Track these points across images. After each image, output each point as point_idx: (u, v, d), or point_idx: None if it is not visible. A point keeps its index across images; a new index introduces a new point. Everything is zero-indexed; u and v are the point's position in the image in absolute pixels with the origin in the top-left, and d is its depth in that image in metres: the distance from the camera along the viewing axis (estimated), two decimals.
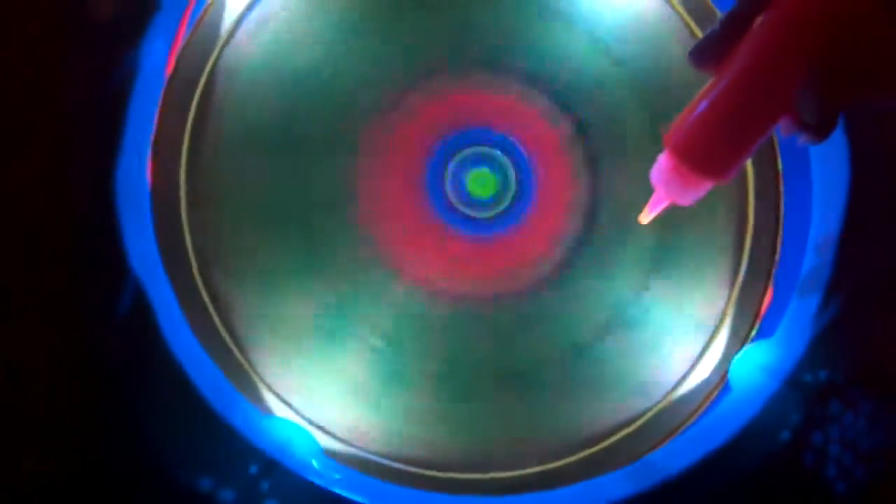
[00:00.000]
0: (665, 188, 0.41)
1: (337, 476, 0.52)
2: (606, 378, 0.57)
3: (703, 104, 0.39)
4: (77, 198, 0.50)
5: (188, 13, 0.53)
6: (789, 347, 0.55)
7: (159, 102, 0.54)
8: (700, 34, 0.59)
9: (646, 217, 0.43)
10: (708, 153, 0.39)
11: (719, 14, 0.58)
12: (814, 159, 0.56)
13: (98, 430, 0.49)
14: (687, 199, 0.42)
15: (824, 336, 0.54)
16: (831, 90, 0.37)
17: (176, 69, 0.55)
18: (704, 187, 0.40)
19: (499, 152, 0.59)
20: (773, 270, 0.58)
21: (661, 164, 0.40)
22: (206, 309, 0.54)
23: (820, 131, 0.38)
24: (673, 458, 0.54)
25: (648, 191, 0.58)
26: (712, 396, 0.57)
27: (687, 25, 0.59)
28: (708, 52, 0.39)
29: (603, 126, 0.59)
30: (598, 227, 0.59)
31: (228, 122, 0.56)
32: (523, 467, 0.57)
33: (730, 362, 0.56)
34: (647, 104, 0.59)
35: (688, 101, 0.57)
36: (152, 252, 0.51)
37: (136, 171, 0.52)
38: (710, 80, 0.39)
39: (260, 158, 0.56)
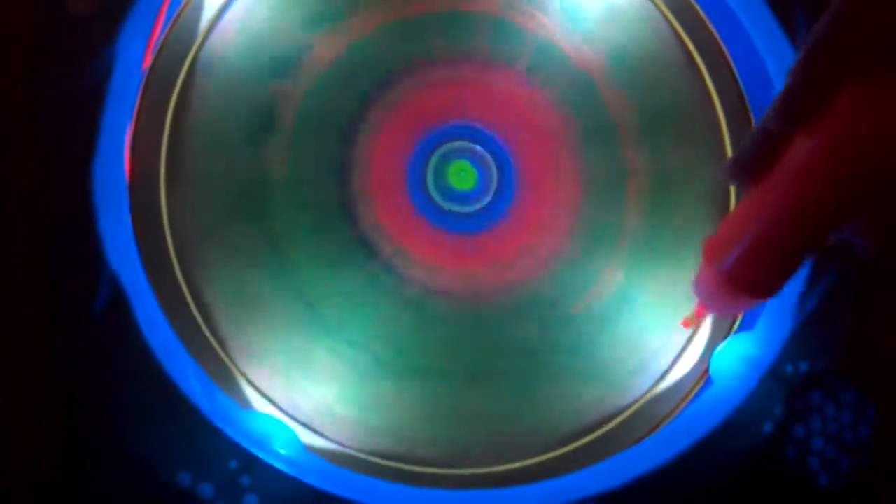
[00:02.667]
0: (708, 304, 0.41)
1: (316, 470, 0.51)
2: (590, 372, 0.57)
3: (750, 230, 0.38)
4: (54, 193, 0.50)
5: (166, 5, 0.53)
6: (770, 339, 0.55)
7: (138, 97, 0.54)
8: (673, 18, 0.59)
9: (689, 325, 0.43)
10: (757, 278, 0.39)
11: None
12: None
13: (75, 426, 0.49)
14: (729, 313, 0.41)
15: (805, 327, 0.54)
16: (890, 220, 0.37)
17: (155, 62, 0.55)
18: (749, 305, 0.41)
19: (479, 147, 0.59)
20: None
21: (704, 281, 0.40)
22: (186, 304, 0.54)
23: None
24: (655, 451, 0.53)
25: (631, 184, 0.59)
26: (695, 390, 0.57)
27: (663, 14, 0.59)
28: (745, 169, 0.39)
29: (585, 115, 0.59)
30: (582, 222, 0.59)
31: (209, 115, 0.56)
32: (505, 462, 0.56)
33: (710, 357, 0.56)
34: (629, 92, 0.59)
35: (667, 89, 0.59)
36: (130, 246, 0.51)
37: (114, 165, 0.51)
38: (750, 196, 0.39)
39: (240, 153, 0.56)
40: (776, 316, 0.55)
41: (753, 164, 0.39)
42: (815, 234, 0.38)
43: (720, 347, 0.56)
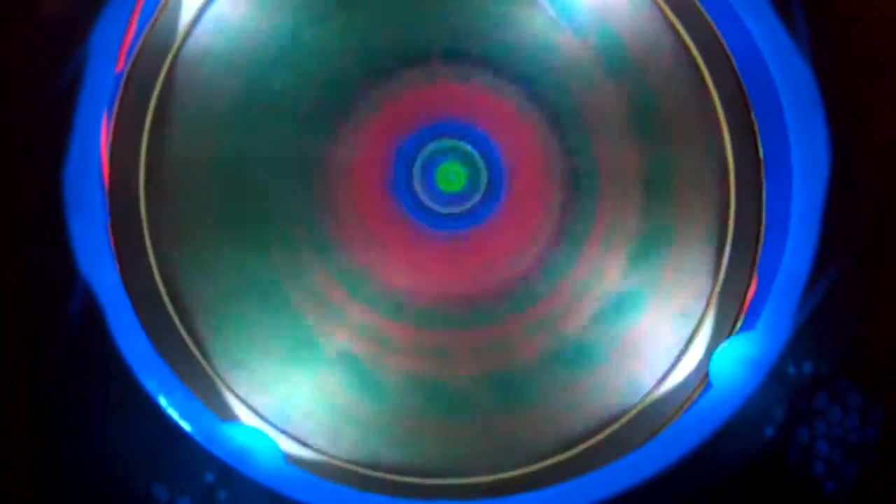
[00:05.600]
0: None
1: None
2: (586, 377, 0.56)
3: None
4: (25, 198, 0.49)
5: (140, 5, 0.52)
6: (771, 339, 0.53)
7: (115, 101, 0.53)
8: (672, 15, 0.57)
9: None
10: None
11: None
12: (794, 147, 0.55)
13: (45, 438, 0.47)
14: None
15: (808, 326, 0.52)
16: None
17: (133, 65, 0.53)
18: None
19: (468, 146, 0.57)
20: (757, 261, 0.56)
21: None
22: (164, 309, 0.53)
23: None
24: (653, 457, 0.52)
25: (625, 182, 0.57)
26: (695, 394, 0.55)
27: (657, 6, 0.58)
28: None
29: (577, 114, 0.57)
30: (574, 223, 0.57)
31: (189, 118, 0.54)
32: (502, 471, 0.55)
33: (709, 359, 0.54)
34: (624, 90, 0.57)
35: (662, 84, 0.57)
36: (104, 252, 0.50)
37: (87, 171, 0.50)
38: None
39: (221, 159, 0.55)
40: (777, 315, 0.53)
41: None
42: None
43: (719, 349, 0.54)
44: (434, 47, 0.57)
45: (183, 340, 0.53)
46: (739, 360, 0.53)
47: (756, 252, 0.56)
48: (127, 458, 0.47)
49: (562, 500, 0.52)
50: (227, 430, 0.50)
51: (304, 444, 0.53)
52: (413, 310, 0.56)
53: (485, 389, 0.55)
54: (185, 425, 0.47)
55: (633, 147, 0.57)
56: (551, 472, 0.54)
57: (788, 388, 0.52)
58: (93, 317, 0.48)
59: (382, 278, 0.56)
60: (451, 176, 0.57)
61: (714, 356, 0.53)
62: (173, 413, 0.47)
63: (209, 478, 0.47)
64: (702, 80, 0.58)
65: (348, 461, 0.53)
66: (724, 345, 0.54)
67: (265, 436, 0.51)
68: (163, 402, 0.47)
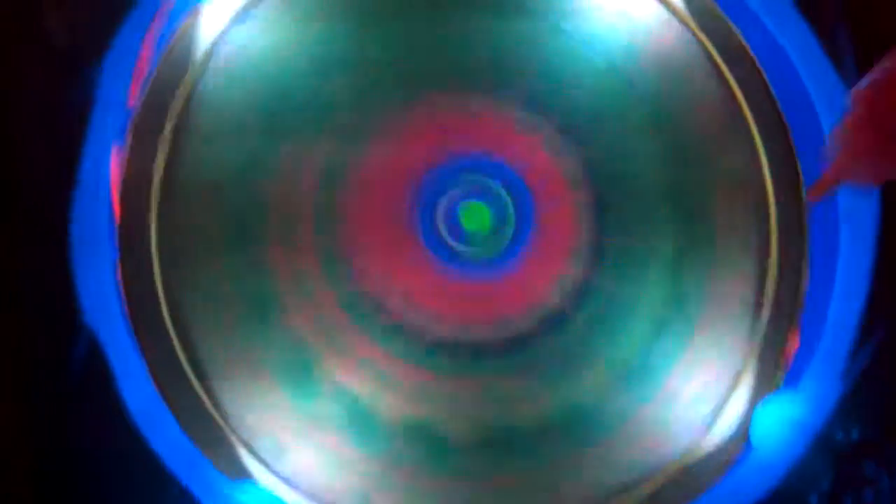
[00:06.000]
0: (849, 158, 0.35)
1: None
2: (612, 439, 0.52)
3: None
4: (28, 238, 0.46)
5: (151, 35, 0.49)
6: (817, 400, 0.50)
7: (127, 136, 0.50)
8: (718, 58, 0.55)
9: (816, 194, 0.37)
10: None
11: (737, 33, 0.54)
12: (841, 196, 0.52)
13: (46, 498, 0.44)
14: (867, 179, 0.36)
15: (857, 388, 0.49)
16: None
17: (145, 97, 0.51)
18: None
19: (496, 183, 0.54)
20: (799, 315, 0.53)
21: (853, 129, 0.34)
22: (176, 361, 0.50)
23: None
24: None
25: (655, 235, 0.54)
26: (732, 457, 0.52)
27: (706, 50, 0.55)
28: None
29: (613, 156, 0.54)
30: (605, 270, 0.54)
31: (202, 152, 0.52)
32: None
33: (750, 418, 0.51)
34: (663, 135, 0.54)
35: (706, 132, 0.54)
36: (111, 297, 0.47)
37: (96, 207, 0.47)
38: None
39: (236, 199, 0.52)
40: (825, 374, 0.50)
41: None
42: None
43: (762, 407, 0.51)
44: (468, 77, 0.54)
45: (194, 392, 0.50)
46: (783, 421, 0.50)
47: (798, 307, 0.53)
48: None
49: None
50: (237, 490, 0.46)
51: (313, 498, 0.50)
52: (420, 350, 0.53)
53: (499, 448, 0.52)
54: (194, 488, 0.44)
55: (664, 197, 0.54)
56: None
57: (835, 454, 0.49)
58: (98, 370, 0.45)
59: (398, 320, 0.53)
60: (476, 215, 0.54)
61: (756, 417, 0.50)
62: (179, 472, 0.44)
63: None
64: (745, 123, 0.55)
65: None
66: (766, 405, 0.51)
67: (272, 496, 0.48)
68: (170, 462, 0.44)
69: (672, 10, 0.55)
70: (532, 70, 0.54)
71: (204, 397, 0.50)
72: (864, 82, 0.35)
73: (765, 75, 0.55)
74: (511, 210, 0.54)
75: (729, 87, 0.55)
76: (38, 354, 0.46)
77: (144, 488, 0.45)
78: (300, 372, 0.51)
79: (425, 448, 0.52)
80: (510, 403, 0.52)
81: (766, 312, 0.53)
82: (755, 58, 0.55)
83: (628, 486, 0.52)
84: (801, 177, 0.54)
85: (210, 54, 0.52)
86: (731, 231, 0.54)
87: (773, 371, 0.53)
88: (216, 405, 0.50)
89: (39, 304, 0.46)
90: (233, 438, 0.50)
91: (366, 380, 0.51)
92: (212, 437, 0.49)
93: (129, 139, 0.50)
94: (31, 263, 0.47)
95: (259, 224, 0.52)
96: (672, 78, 0.55)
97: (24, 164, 0.47)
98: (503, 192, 0.54)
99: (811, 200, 0.40)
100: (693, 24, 0.55)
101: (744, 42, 0.55)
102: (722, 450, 0.52)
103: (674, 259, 0.54)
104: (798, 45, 0.54)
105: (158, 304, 0.50)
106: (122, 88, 0.48)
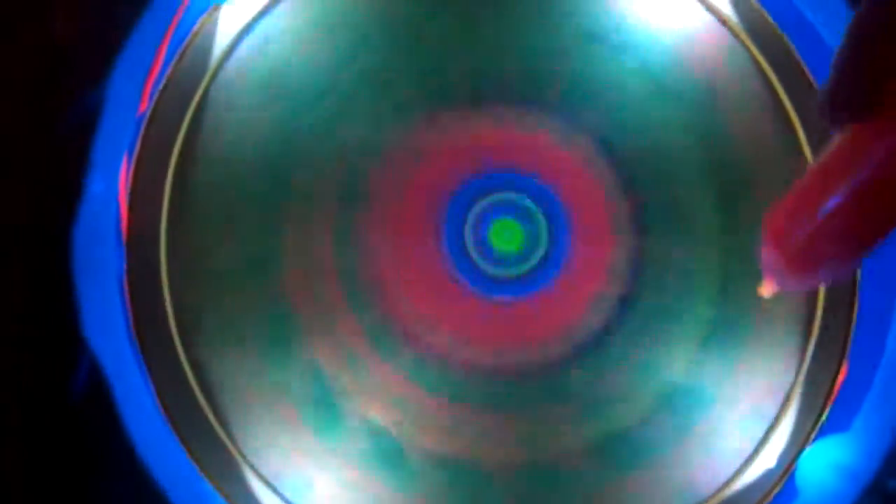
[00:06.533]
0: (775, 281, 0.35)
1: None
2: (647, 472, 0.49)
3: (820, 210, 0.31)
4: (31, 254, 0.43)
5: (166, 42, 0.46)
6: (869, 444, 0.47)
7: (136, 145, 0.47)
8: (766, 64, 0.51)
9: (767, 291, 0.36)
10: (822, 261, 0.32)
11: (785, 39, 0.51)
12: None
13: None
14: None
15: None
16: None
17: (155, 106, 0.48)
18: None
19: (528, 200, 0.51)
20: (848, 347, 0.50)
21: (766, 259, 0.34)
22: (186, 387, 0.47)
23: None
24: None
25: (700, 253, 0.51)
26: (770, 497, 0.49)
27: (752, 56, 0.51)
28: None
29: (652, 172, 0.51)
30: (642, 294, 0.51)
31: (216, 166, 0.49)
32: None
33: (795, 458, 0.48)
34: (704, 149, 0.51)
35: (752, 141, 0.51)
36: (116, 319, 0.44)
37: (103, 220, 0.45)
38: (812, 169, 0.32)
39: (251, 214, 0.49)
40: (877, 415, 0.47)
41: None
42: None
43: (808, 450, 0.47)
44: (499, 87, 0.51)
45: (206, 420, 0.47)
46: (831, 466, 0.47)
47: (847, 338, 0.50)
48: None
49: None
50: None
51: None
52: (450, 380, 0.50)
53: (530, 481, 0.49)
54: None
55: (710, 213, 0.51)
56: None
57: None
58: (101, 399, 0.42)
59: (424, 345, 0.50)
60: (507, 233, 0.51)
61: (802, 458, 0.47)
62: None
63: None
64: (793, 132, 0.51)
65: None
66: (814, 446, 0.47)
67: None
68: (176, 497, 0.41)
69: (716, 15, 0.52)
70: (566, 79, 0.51)
71: (220, 431, 0.47)
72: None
73: (815, 83, 0.51)
74: (543, 227, 0.51)
75: (777, 95, 0.52)
76: (37, 379, 0.43)
77: None
78: (322, 405, 0.48)
79: (459, 482, 0.49)
80: (547, 432, 0.50)
81: (814, 336, 0.50)
82: (804, 64, 0.52)
83: None
84: None
85: (225, 57, 0.49)
86: None
87: (821, 401, 0.50)
88: (232, 439, 0.48)
89: (38, 322, 0.44)
90: (250, 473, 0.47)
91: (393, 413, 0.49)
92: (228, 472, 0.46)
93: (139, 147, 0.47)
94: (30, 280, 0.44)
95: (276, 245, 0.49)
96: (717, 86, 0.52)
97: (28, 172, 0.44)
98: (535, 209, 0.51)
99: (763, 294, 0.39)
100: (739, 30, 0.52)
101: (792, 48, 0.52)
102: (759, 491, 0.49)
103: (719, 275, 0.51)
104: None
105: (168, 327, 0.47)
106: (134, 94, 0.45)
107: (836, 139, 0.31)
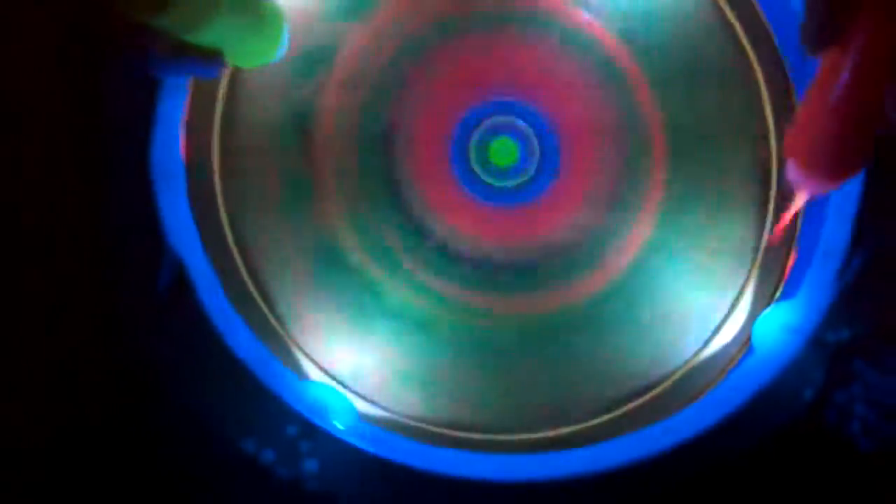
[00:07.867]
0: (806, 191, 0.43)
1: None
2: (628, 340, 0.59)
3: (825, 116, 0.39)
4: (114, 181, 0.52)
5: None
6: (812, 307, 0.55)
7: (189, 90, 0.55)
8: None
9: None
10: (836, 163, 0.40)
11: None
12: None
13: (142, 402, 0.51)
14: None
15: (848, 293, 0.54)
16: None
17: None
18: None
19: (521, 122, 0.60)
20: (797, 236, 0.58)
21: (794, 172, 0.41)
22: (244, 282, 0.57)
23: None
24: (696, 419, 0.54)
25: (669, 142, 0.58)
26: (736, 359, 0.58)
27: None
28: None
29: (620, 83, 0.59)
30: (620, 189, 0.59)
31: (255, 107, 0.58)
32: (553, 428, 0.58)
33: (752, 326, 0.57)
34: (662, 51, 0.59)
35: (700, 46, 0.57)
36: (190, 227, 0.53)
37: (170, 152, 0.53)
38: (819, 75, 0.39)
39: (286, 142, 0.58)
40: (818, 283, 0.55)
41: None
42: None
43: (762, 316, 0.56)
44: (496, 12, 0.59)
45: (261, 309, 0.57)
46: (781, 327, 0.55)
47: (795, 224, 0.59)
48: (217, 415, 0.51)
49: (603, 458, 0.55)
50: (306, 388, 0.53)
51: (375, 403, 0.57)
52: (476, 278, 0.59)
53: (531, 348, 0.59)
54: (270, 384, 0.51)
55: (676, 109, 0.59)
56: (593, 432, 0.58)
57: (827, 353, 0.54)
58: (182, 291, 0.51)
59: (449, 251, 0.59)
60: (504, 151, 0.60)
61: (757, 322, 0.56)
62: (258, 373, 0.51)
63: (292, 431, 0.51)
64: (738, 42, 0.59)
65: (414, 418, 0.57)
66: (766, 312, 0.56)
67: (339, 393, 0.54)
68: (248, 363, 0.51)
69: None
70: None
71: (275, 325, 0.57)
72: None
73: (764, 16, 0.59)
74: (535, 144, 0.60)
75: (732, 30, 0.59)
76: (129, 277, 0.52)
77: (231, 392, 0.52)
78: (360, 295, 0.58)
79: (482, 353, 0.59)
80: (546, 309, 0.59)
81: (766, 234, 0.59)
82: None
83: (639, 391, 0.59)
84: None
85: None
86: (734, 164, 0.59)
87: (772, 286, 0.59)
88: (286, 330, 0.57)
89: (129, 234, 0.52)
90: (295, 347, 0.57)
91: (423, 299, 0.58)
92: (281, 345, 0.56)
93: (191, 94, 0.56)
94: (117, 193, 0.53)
95: (309, 168, 0.58)
96: (678, 27, 0.59)
97: (109, 108, 0.53)
98: (528, 129, 0.60)
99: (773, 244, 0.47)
100: None
101: None
102: (725, 355, 0.58)
103: (685, 159, 0.59)
104: None
105: (226, 237, 0.56)
106: None
107: (821, 64, 0.39)
